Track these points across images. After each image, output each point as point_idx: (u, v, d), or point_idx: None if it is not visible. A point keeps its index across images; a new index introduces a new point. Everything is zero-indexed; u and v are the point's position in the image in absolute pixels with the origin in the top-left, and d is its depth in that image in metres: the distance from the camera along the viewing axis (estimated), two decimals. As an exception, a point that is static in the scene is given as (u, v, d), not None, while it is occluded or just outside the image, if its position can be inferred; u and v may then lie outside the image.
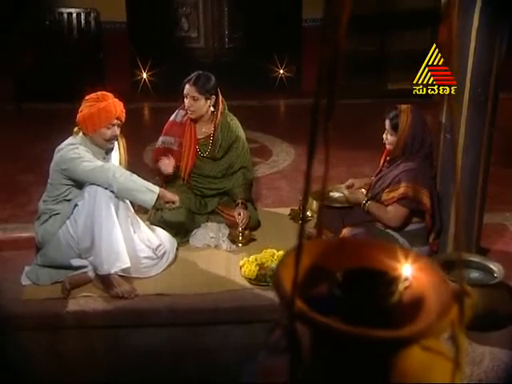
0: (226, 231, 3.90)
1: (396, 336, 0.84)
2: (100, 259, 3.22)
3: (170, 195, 3.37)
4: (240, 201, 3.96)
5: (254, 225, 3.99)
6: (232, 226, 3.92)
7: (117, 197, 3.23)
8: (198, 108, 3.88)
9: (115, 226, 3.21)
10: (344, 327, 0.83)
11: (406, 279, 0.93)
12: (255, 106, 7.40)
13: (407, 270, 0.94)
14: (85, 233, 3.24)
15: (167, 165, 3.84)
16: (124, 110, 3.40)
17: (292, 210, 4.25)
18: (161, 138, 4.08)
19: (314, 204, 4.22)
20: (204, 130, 4.00)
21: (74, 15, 7.62)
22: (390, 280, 0.91)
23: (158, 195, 3.26)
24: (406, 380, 0.88)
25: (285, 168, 5.37)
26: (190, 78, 3.88)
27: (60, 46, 7.60)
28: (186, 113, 3.95)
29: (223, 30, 8.21)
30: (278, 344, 0.90)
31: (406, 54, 7.07)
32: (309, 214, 4.18)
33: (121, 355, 3.20)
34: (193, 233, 3.90)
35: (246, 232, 3.88)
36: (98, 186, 3.21)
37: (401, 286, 0.90)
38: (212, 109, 3.94)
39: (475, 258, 3.16)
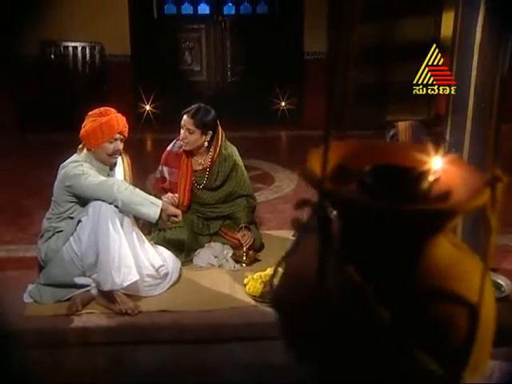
0: (230, 251, 3.88)
1: (428, 209, 0.82)
2: (107, 274, 3.18)
3: (172, 208, 3.36)
4: (243, 225, 3.94)
5: (258, 246, 3.96)
6: (236, 247, 3.90)
7: (121, 212, 3.22)
8: (193, 141, 3.85)
9: (122, 239, 3.20)
10: (376, 202, 0.81)
11: (435, 172, 0.92)
12: (257, 136, 7.43)
13: (435, 163, 0.92)
14: (89, 248, 3.22)
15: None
16: (127, 125, 3.42)
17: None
18: (159, 168, 4.09)
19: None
20: (200, 161, 3.98)
21: (79, 49, 7.72)
22: (418, 173, 0.89)
23: (161, 209, 3.25)
24: (436, 269, 0.86)
25: (288, 193, 5.36)
26: (189, 109, 3.87)
27: (65, 78, 7.67)
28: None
29: (226, 63, 8.29)
30: (309, 224, 0.88)
31: (405, 86, 7.12)
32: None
33: (124, 372, 3.14)
34: (196, 253, 3.87)
35: (251, 252, 3.85)
36: (103, 201, 3.20)
37: (430, 178, 0.89)
38: (206, 144, 3.90)
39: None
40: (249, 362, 3.20)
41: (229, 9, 8.26)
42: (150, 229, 3.89)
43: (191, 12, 8.25)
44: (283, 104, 8.15)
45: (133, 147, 3.66)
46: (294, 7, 8.02)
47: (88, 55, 7.76)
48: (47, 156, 6.22)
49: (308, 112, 8.05)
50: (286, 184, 5.60)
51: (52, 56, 7.70)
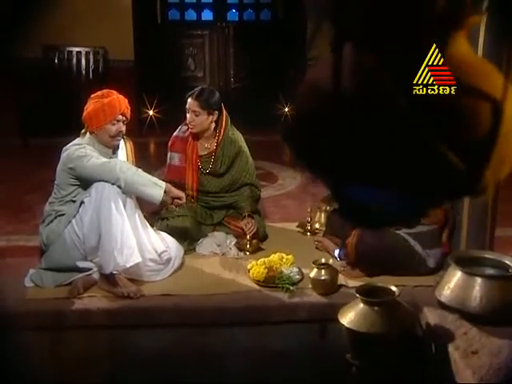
0: (234, 240, 3.84)
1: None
2: (109, 256, 3.14)
3: (176, 190, 3.32)
4: (247, 213, 3.91)
5: (261, 235, 3.93)
6: (239, 236, 3.86)
7: (124, 193, 3.19)
8: (199, 123, 3.85)
9: (125, 220, 3.16)
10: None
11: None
12: (260, 140, 7.40)
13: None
14: (91, 230, 3.18)
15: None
16: (129, 107, 3.41)
17: (300, 222, 4.20)
18: (168, 154, 4.08)
19: (322, 217, 4.18)
20: (206, 145, 3.97)
21: (83, 53, 7.74)
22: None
23: (165, 190, 3.22)
24: (458, 64, 0.82)
25: (291, 190, 5.34)
26: (193, 91, 3.87)
27: (68, 83, 7.66)
28: (189, 128, 3.92)
29: (229, 69, 8.31)
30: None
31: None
32: (317, 226, 4.14)
33: (125, 356, 3.09)
34: (199, 241, 3.83)
35: (254, 241, 3.82)
36: (106, 182, 3.17)
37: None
38: (214, 125, 3.90)
39: (490, 255, 3.08)
40: (251, 346, 3.15)
41: (232, 15, 8.31)
42: (152, 221, 3.84)
43: (195, 18, 8.30)
44: (286, 110, 8.14)
45: (135, 149, 3.67)
46: (297, 14, 8.03)
47: (91, 60, 7.77)
48: (48, 157, 6.22)
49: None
50: (288, 182, 5.59)
51: (55, 61, 7.71)
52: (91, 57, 7.77)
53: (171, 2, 8.23)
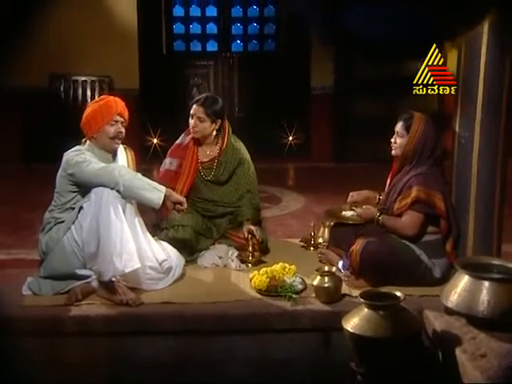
0: (236, 252, 3.79)
1: None
2: (108, 261, 3.09)
3: (176, 195, 3.29)
4: (247, 219, 3.87)
5: (263, 247, 3.88)
6: (242, 248, 3.81)
7: (124, 197, 3.15)
8: (203, 129, 3.87)
9: (124, 225, 3.12)
10: None
11: None
12: (265, 167, 7.39)
13: None
14: (90, 235, 3.13)
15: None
16: (126, 108, 3.42)
17: (303, 237, 4.15)
18: (165, 160, 4.08)
19: (326, 232, 4.13)
20: (208, 152, 3.98)
21: (89, 82, 7.81)
22: None
23: (165, 195, 3.18)
24: None
25: (295, 211, 5.31)
26: (198, 98, 3.93)
27: (74, 111, 7.68)
28: (191, 133, 3.93)
29: (233, 99, 8.34)
30: None
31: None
32: (320, 240, 4.09)
33: (123, 363, 3.01)
34: (201, 254, 3.78)
35: (256, 253, 3.77)
36: (105, 187, 3.14)
37: None
38: (215, 132, 3.92)
39: (496, 261, 3.02)
40: (253, 354, 3.08)
41: (237, 46, 8.38)
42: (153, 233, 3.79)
43: (200, 49, 8.37)
44: (291, 138, 8.16)
45: (136, 160, 3.68)
46: (300, 43, 8.09)
47: (97, 89, 7.83)
48: (50, 180, 6.24)
49: (315, 146, 8.06)
50: (292, 204, 5.57)
51: (61, 89, 7.78)
52: (97, 86, 7.84)
53: (177, 33, 8.32)
